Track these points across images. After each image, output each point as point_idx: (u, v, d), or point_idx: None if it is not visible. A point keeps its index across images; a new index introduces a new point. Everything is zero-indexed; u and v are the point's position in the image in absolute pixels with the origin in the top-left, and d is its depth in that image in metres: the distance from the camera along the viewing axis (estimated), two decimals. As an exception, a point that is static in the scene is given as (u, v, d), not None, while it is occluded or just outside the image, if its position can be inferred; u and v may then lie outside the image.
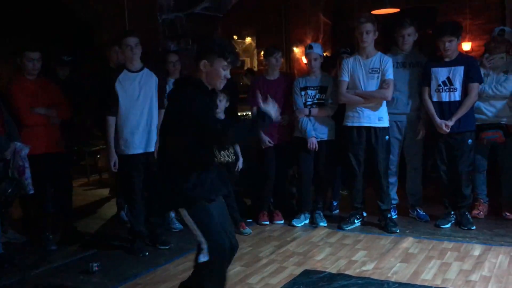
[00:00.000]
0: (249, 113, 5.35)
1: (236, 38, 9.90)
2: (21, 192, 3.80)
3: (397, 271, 3.49)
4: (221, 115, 4.64)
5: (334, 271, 3.53)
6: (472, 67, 4.32)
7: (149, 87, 4.06)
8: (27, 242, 4.50)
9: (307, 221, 4.80)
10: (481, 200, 4.76)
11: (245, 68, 9.51)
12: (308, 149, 4.62)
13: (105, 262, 3.90)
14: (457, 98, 4.31)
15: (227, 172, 4.64)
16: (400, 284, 3.24)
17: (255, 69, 9.49)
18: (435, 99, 4.38)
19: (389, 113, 4.48)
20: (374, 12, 7.12)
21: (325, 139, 4.68)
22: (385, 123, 4.44)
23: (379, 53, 4.45)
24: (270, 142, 4.76)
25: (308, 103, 4.69)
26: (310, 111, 4.65)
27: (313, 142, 4.61)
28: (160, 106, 4.13)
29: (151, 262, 3.88)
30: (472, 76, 4.28)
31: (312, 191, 4.88)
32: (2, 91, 4.14)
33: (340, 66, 4.68)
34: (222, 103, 4.58)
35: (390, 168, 4.64)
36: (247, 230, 4.58)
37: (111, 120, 3.99)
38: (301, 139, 4.68)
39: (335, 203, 5.22)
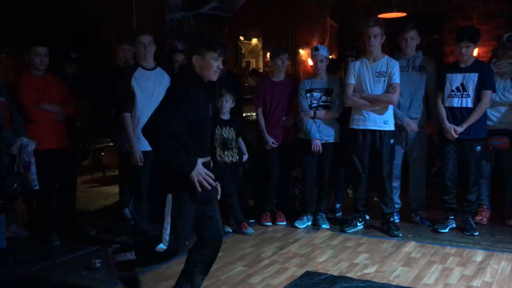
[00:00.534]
0: (254, 114, 5.37)
1: (243, 39, 9.91)
2: (26, 187, 3.82)
3: (399, 275, 3.49)
4: (227, 115, 4.66)
5: (335, 273, 3.53)
6: (487, 74, 4.29)
7: (162, 86, 4.07)
8: (30, 237, 4.52)
9: (309, 223, 4.81)
10: (484, 206, 4.76)
11: (250, 69, 9.52)
12: (312, 151, 4.62)
13: (107, 260, 3.91)
14: (469, 105, 4.30)
15: (231, 172, 4.67)
16: (402, 287, 3.24)
17: (261, 70, 9.50)
18: (447, 104, 4.37)
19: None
20: (380, 16, 7.13)
21: (330, 141, 4.69)
22: (391, 126, 4.44)
23: (386, 56, 4.45)
24: (274, 143, 4.77)
25: (314, 105, 4.70)
26: (315, 113, 4.66)
27: (317, 144, 4.62)
28: None
29: (151, 262, 3.87)
30: (486, 83, 4.26)
31: (315, 193, 4.88)
32: (10, 87, 4.17)
33: (346, 69, 4.68)
34: (228, 104, 4.60)
35: (393, 172, 4.65)
36: (250, 230, 4.59)
37: (128, 116, 4.01)
38: (306, 141, 4.69)
39: (338, 206, 5.22)
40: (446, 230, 4.44)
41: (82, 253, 4.11)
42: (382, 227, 4.58)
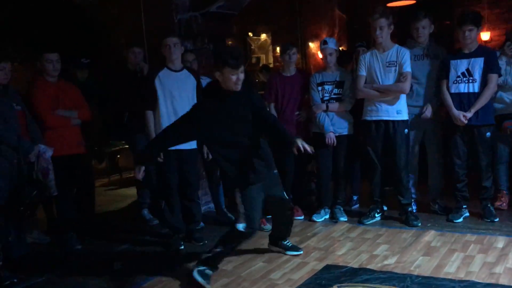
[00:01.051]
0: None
1: (251, 35, 9.91)
2: (46, 194, 3.87)
3: (420, 264, 3.47)
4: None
5: (356, 265, 3.53)
6: (492, 58, 4.26)
7: (187, 88, 4.15)
8: (52, 242, 4.59)
9: (327, 216, 4.80)
10: (504, 192, 4.70)
11: (261, 64, 9.52)
12: (326, 144, 4.61)
13: (128, 261, 3.96)
14: (476, 90, 4.26)
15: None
16: (423, 277, 3.22)
17: (271, 65, 9.49)
18: (453, 90, 4.33)
19: (408, 106, 4.45)
20: (389, 4, 7.06)
21: (344, 133, 4.67)
22: (404, 116, 4.40)
23: (396, 45, 4.41)
24: (288, 139, 4.76)
25: (326, 98, 4.68)
26: (327, 106, 4.65)
27: (331, 137, 4.60)
28: None
29: (171, 261, 3.92)
30: (491, 67, 4.23)
31: (331, 187, 4.87)
32: (24, 95, 4.23)
33: (356, 60, 4.65)
34: None
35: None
36: (268, 226, 4.58)
37: (150, 114, 4.08)
38: (319, 135, 4.68)
39: (355, 198, 5.21)
40: (460, 220, 4.40)
41: (103, 256, 4.15)
42: (400, 217, 4.55)
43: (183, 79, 4.14)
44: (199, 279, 3.30)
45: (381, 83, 4.40)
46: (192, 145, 4.15)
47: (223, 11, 5.35)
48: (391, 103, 4.36)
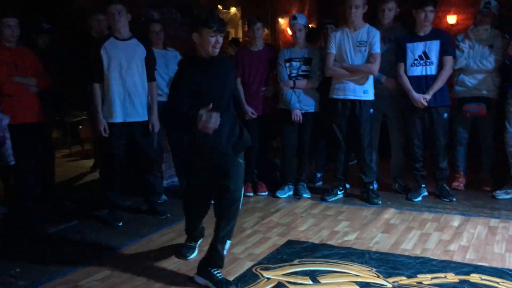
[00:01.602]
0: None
1: (221, 8, 9.72)
2: (2, 163, 3.74)
3: (378, 241, 3.56)
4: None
5: (317, 241, 3.58)
6: (447, 40, 4.36)
7: (136, 57, 4.00)
8: (9, 213, 4.46)
9: (291, 193, 4.85)
10: (461, 172, 4.85)
11: (230, 39, 9.38)
12: (292, 121, 4.62)
13: (88, 233, 3.90)
14: (434, 72, 4.35)
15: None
16: (381, 253, 3.31)
17: (241, 40, 9.37)
18: (410, 73, 4.40)
19: None
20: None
21: (310, 111, 4.68)
22: (370, 96, 4.44)
23: (367, 25, 4.41)
24: (253, 114, 4.74)
25: (293, 74, 4.67)
26: (294, 83, 4.64)
27: (297, 114, 4.61)
28: (150, 79, 4.11)
29: (135, 233, 3.89)
30: (447, 49, 4.32)
31: (296, 163, 4.91)
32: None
33: (325, 37, 4.64)
34: None
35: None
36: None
37: (97, 86, 3.96)
38: (286, 111, 4.68)
39: (318, 175, 5.27)
40: (419, 199, 4.53)
41: (62, 228, 4.07)
42: (362, 195, 4.64)
43: (131, 48, 3.98)
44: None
45: (350, 63, 4.41)
46: (143, 116, 4.07)
47: (191, -19, 5.23)
48: (359, 82, 4.39)
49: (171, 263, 3.27)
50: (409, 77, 4.40)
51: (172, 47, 4.90)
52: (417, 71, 4.38)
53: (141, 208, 4.49)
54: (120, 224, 4.09)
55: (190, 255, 3.36)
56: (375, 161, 4.83)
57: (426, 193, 4.62)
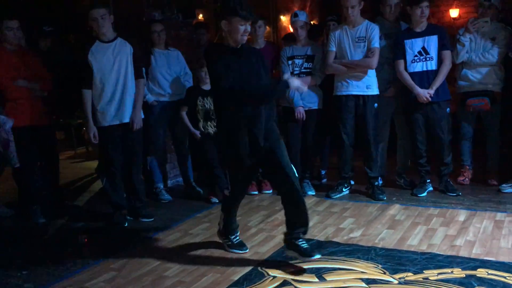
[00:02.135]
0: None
1: (222, 6, 9.70)
2: (7, 165, 3.76)
3: (384, 237, 3.55)
4: (208, 86, 4.60)
5: (322, 238, 3.58)
6: (444, 35, 4.36)
7: (123, 57, 3.99)
8: (15, 216, 4.48)
9: (295, 190, 4.83)
10: (467, 167, 4.83)
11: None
12: (295, 118, 4.61)
13: (94, 234, 3.91)
14: (434, 67, 4.34)
15: (213, 143, 4.65)
16: (387, 250, 3.30)
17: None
18: (411, 70, 4.40)
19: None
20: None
21: (314, 108, 4.67)
22: (374, 91, 4.43)
23: (366, 21, 4.40)
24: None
25: (296, 72, 4.65)
26: (297, 81, 4.62)
27: (300, 112, 4.60)
28: (137, 76, 4.08)
29: (140, 233, 3.90)
30: (444, 44, 4.32)
31: (300, 161, 4.89)
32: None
33: (327, 34, 4.63)
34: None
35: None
36: (215, 199, 4.61)
37: (87, 93, 3.95)
38: (289, 109, 4.67)
39: (323, 172, 5.26)
40: (424, 194, 4.51)
41: (68, 230, 4.09)
42: (367, 191, 4.63)
43: (118, 48, 3.96)
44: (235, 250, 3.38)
45: (350, 59, 4.40)
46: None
47: (193, -19, 5.22)
48: (359, 78, 4.38)
49: (177, 263, 3.27)
50: (410, 74, 4.39)
51: (174, 47, 4.90)
52: (418, 67, 4.38)
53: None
54: (126, 225, 4.09)
55: (246, 248, 3.41)
56: (383, 155, 4.82)
57: (431, 188, 4.60)
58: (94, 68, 3.89)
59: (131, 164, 4.18)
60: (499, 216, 3.85)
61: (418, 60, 4.37)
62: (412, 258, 3.12)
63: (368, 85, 4.39)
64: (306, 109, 4.63)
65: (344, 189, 4.69)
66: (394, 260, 3.11)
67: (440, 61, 4.33)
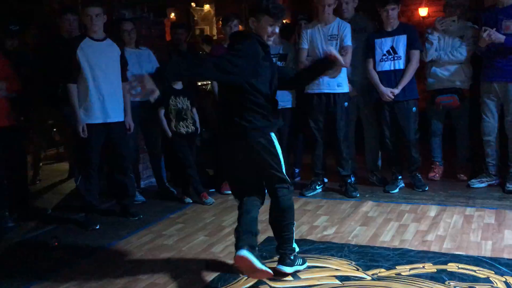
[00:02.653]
0: (209, 83, 5.29)
1: (194, 5, 9.66)
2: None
3: (357, 234, 3.58)
4: (180, 85, 4.57)
5: (296, 236, 3.52)
6: (413, 35, 4.44)
7: (112, 58, 4.00)
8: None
9: (269, 189, 4.83)
10: (437, 163, 4.92)
11: (204, 36, 9.32)
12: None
13: (65, 237, 3.83)
14: (402, 66, 4.43)
15: (188, 143, 4.61)
16: (360, 246, 3.33)
17: (215, 37, 9.32)
18: (379, 69, 4.48)
19: None
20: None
21: (287, 107, 4.68)
22: (345, 89, 4.48)
23: (338, 19, 4.45)
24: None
25: (268, 71, 4.65)
26: (270, 79, 4.62)
27: (274, 110, 4.59)
28: (124, 79, 4.11)
29: (112, 235, 3.84)
30: (413, 43, 4.40)
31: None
32: None
33: (299, 33, 4.65)
34: None
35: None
36: (210, 200, 4.58)
37: (73, 87, 3.91)
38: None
39: (297, 171, 5.28)
40: (396, 190, 4.58)
41: (38, 233, 4.00)
42: (340, 189, 4.66)
43: (107, 49, 3.98)
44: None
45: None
46: (120, 117, 4.07)
47: (164, -21, 5.17)
48: (332, 76, 4.40)
49: (151, 265, 3.23)
50: (379, 72, 4.47)
51: (145, 46, 4.84)
52: (386, 66, 4.46)
53: (117, 210, 4.42)
54: (98, 227, 4.02)
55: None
56: (351, 154, 4.86)
57: (403, 185, 4.67)
58: (82, 63, 3.86)
59: (115, 166, 4.15)
60: (469, 211, 3.94)
61: (386, 59, 4.44)
62: (384, 254, 3.16)
63: (339, 83, 4.43)
64: (280, 107, 4.62)
65: (317, 187, 4.72)
66: (367, 256, 3.15)
67: (408, 61, 4.40)
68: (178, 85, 4.53)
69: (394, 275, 2.87)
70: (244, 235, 2.75)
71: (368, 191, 4.65)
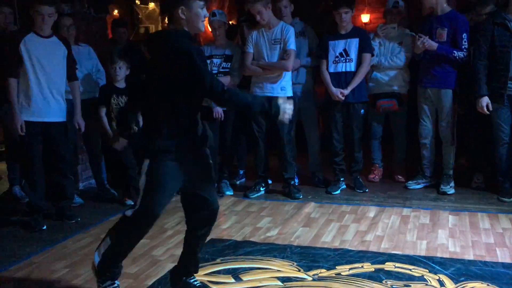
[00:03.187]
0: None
1: (139, 3, 9.45)
2: None
3: (300, 235, 3.62)
4: (122, 84, 4.45)
5: (239, 238, 3.58)
6: (365, 38, 4.57)
7: (56, 56, 3.88)
8: None
9: (213, 191, 4.80)
10: (377, 165, 5.07)
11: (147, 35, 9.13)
12: (214, 118, 4.57)
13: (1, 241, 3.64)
14: (353, 69, 4.54)
15: (130, 144, 4.49)
16: (302, 247, 3.36)
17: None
18: (332, 70, 4.58)
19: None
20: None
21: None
22: (288, 92, 4.50)
23: (281, 23, 4.48)
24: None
25: (214, 71, 4.62)
26: (215, 80, 4.59)
27: (218, 112, 4.58)
28: (72, 78, 4.03)
29: (47, 239, 3.67)
30: (365, 47, 4.53)
31: (218, 161, 4.87)
32: None
33: (241, 35, 4.66)
34: (122, 71, 4.39)
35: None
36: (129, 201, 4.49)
37: (13, 82, 3.75)
38: (207, 108, 4.61)
39: (241, 172, 5.27)
40: (338, 192, 4.68)
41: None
42: (283, 190, 4.70)
43: (52, 46, 3.87)
44: None
45: (267, 60, 4.45)
46: (61, 117, 3.95)
47: (105, -26, 5.02)
48: (275, 80, 4.44)
49: (87, 271, 3.10)
50: (331, 74, 4.56)
51: (85, 42, 4.68)
52: (338, 67, 4.56)
53: (53, 213, 4.24)
54: (45, 227, 3.87)
55: None
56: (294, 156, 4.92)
57: (344, 186, 4.77)
58: (24, 58, 3.72)
59: (53, 167, 3.99)
60: (405, 211, 4.08)
61: (338, 61, 4.55)
62: (325, 255, 3.21)
63: (282, 87, 4.46)
64: (224, 109, 4.61)
65: (261, 189, 4.73)
66: (309, 257, 3.18)
67: (359, 64, 4.51)
68: (120, 84, 4.41)
69: (334, 275, 2.92)
70: None
71: (310, 192, 4.71)
